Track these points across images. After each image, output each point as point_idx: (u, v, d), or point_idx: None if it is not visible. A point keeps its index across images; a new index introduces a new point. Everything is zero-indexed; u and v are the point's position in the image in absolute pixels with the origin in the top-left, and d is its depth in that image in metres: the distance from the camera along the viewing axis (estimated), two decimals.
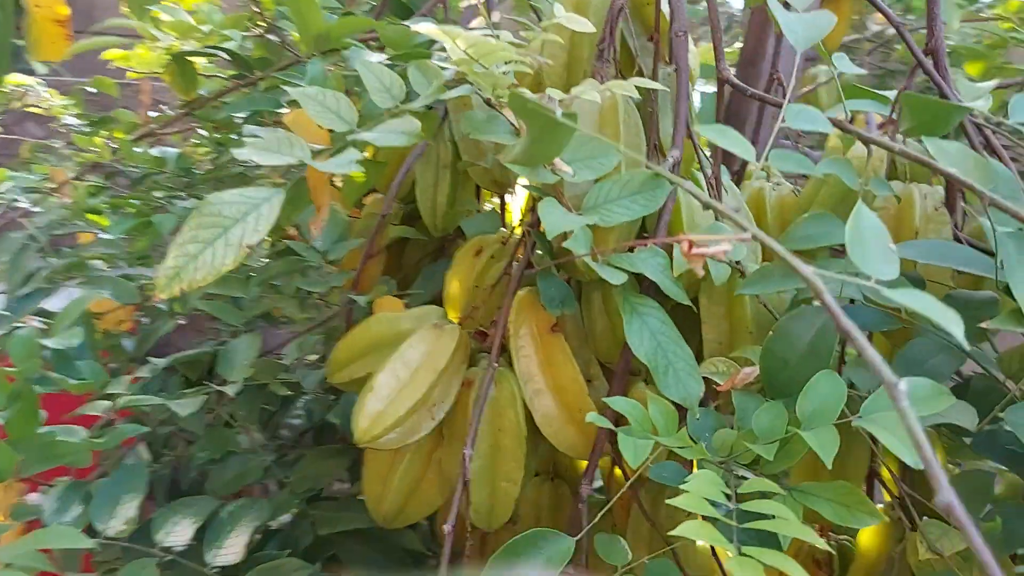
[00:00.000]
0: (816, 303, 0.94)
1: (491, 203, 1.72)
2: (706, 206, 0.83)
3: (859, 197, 1.10)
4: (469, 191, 1.53)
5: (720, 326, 1.08)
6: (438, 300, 1.50)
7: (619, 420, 1.07)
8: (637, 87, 0.99)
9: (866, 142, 1.00)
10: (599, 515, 0.95)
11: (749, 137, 1.28)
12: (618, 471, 1.25)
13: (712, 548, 1.01)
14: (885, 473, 1.22)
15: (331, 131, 0.94)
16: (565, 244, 0.93)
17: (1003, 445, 0.99)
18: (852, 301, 0.96)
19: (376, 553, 1.36)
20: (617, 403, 0.88)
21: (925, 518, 1.04)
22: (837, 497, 0.85)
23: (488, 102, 0.98)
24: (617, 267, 0.96)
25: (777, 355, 0.93)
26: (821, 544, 0.75)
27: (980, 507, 0.95)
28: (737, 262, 1.05)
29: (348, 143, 0.89)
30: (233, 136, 1.65)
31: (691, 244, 0.71)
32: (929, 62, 1.17)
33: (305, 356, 1.37)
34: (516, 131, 0.98)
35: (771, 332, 0.94)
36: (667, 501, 0.78)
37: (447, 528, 0.98)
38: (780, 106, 0.97)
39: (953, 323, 0.47)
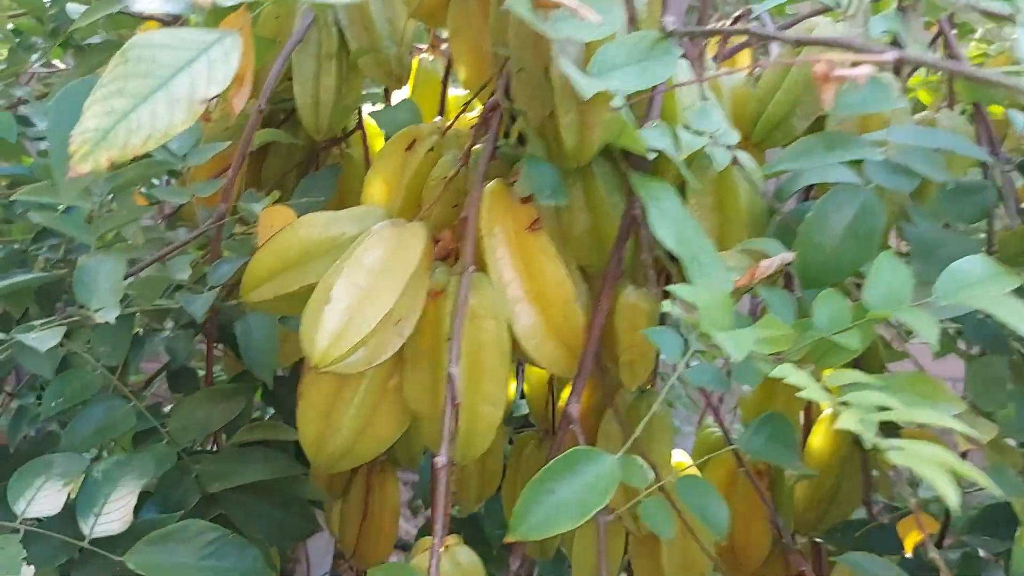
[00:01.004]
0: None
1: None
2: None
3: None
4: (356, 85, 1.32)
5: (710, 218, 0.97)
6: None
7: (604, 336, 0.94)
8: None
9: None
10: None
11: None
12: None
13: None
14: None
15: None
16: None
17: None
18: None
19: (274, 508, 1.15)
20: (681, 291, 0.74)
21: None
22: (913, 388, 0.76)
23: None
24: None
25: (813, 240, 0.83)
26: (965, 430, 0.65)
27: (999, 395, 0.90)
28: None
29: None
30: None
31: (829, 65, 0.58)
32: None
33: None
34: None
35: (808, 215, 0.84)
36: (788, 381, 0.65)
37: (440, 462, 0.80)
38: None
39: None
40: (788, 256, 0.88)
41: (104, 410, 1.05)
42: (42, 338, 0.91)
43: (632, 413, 1.03)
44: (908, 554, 1.07)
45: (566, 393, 1.12)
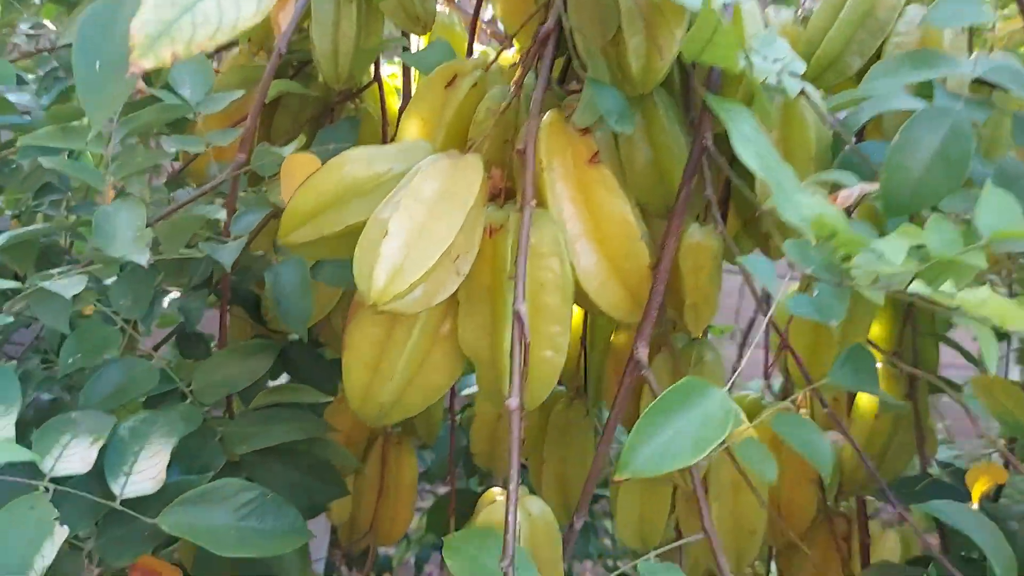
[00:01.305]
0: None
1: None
2: None
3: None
4: (377, 30, 1.25)
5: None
6: None
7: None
8: None
9: None
10: None
11: None
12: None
13: None
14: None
15: None
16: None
17: None
18: None
19: (301, 472, 1.08)
20: (861, 225, 0.68)
21: None
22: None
23: None
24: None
25: (900, 165, 0.79)
26: None
27: None
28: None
29: None
30: None
31: None
32: None
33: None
34: None
35: (896, 139, 0.79)
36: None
37: (512, 404, 0.75)
38: None
39: None
40: (869, 187, 0.83)
41: (123, 368, 0.97)
42: (67, 284, 0.83)
43: (683, 360, 0.98)
44: (975, 505, 1.03)
45: (602, 345, 1.07)
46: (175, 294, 1.19)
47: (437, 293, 0.80)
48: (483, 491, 1.37)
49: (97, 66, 0.79)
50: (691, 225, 0.90)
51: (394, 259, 0.76)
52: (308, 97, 1.36)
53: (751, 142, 0.75)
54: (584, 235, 0.87)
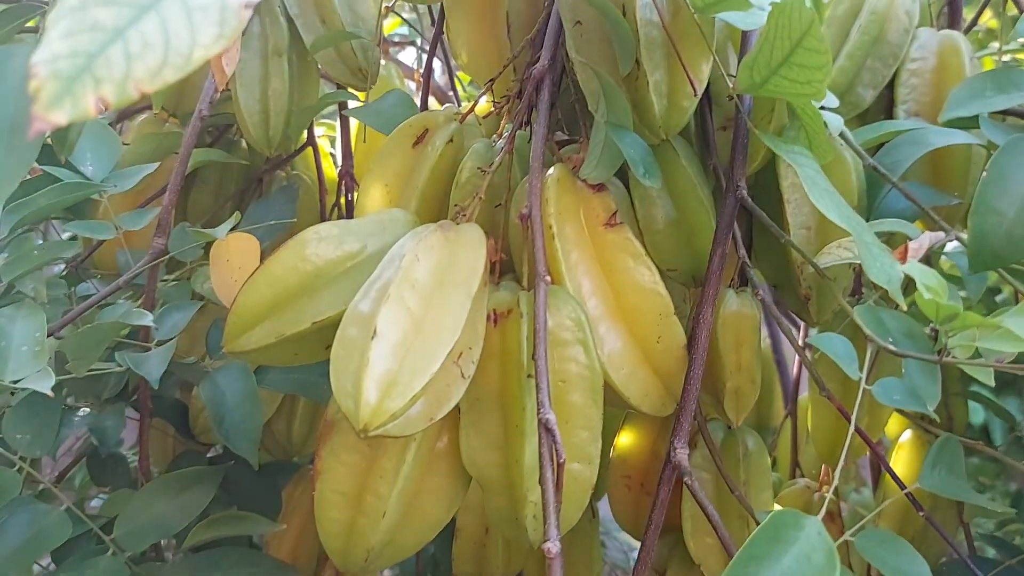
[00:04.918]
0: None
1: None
2: None
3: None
4: (313, 87, 1.09)
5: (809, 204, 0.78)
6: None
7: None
8: None
9: None
10: None
11: None
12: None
13: None
14: None
15: None
16: None
17: None
18: None
19: None
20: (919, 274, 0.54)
21: None
22: None
23: None
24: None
25: (991, 207, 0.66)
26: None
27: None
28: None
29: None
30: None
31: None
32: None
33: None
34: None
35: (983, 176, 0.66)
36: None
37: (552, 550, 0.57)
38: None
39: None
40: (939, 236, 0.70)
41: (30, 517, 0.76)
42: None
43: (727, 455, 0.82)
44: None
45: (633, 436, 0.91)
46: (84, 410, 0.98)
47: (440, 406, 0.62)
48: None
49: None
50: (725, 292, 0.76)
51: (387, 367, 0.58)
52: (230, 167, 1.18)
53: (827, 192, 0.60)
54: (607, 315, 0.71)
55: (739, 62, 0.74)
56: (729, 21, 0.60)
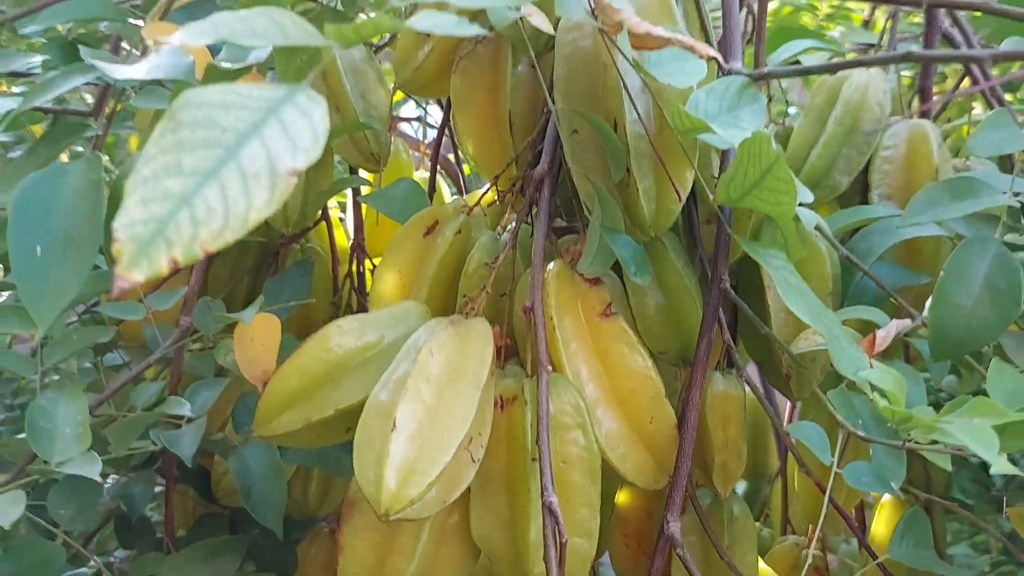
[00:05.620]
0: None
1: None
2: None
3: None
4: (328, 169, 1.16)
5: None
6: (294, 323, 1.12)
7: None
8: None
9: None
10: None
11: None
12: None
13: None
14: None
15: None
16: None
17: None
18: None
19: None
20: (901, 368, 0.61)
21: None
22: None
23: None
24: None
25: (951, 299, 0.72)
26: None
27: None
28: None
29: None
30: None
31: None
32: None
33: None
34: None
35: (942, 273, 0.73)
36: None
37: None
38: None
39: None
40: (905, 323, 0.77)
41: None
42: (3, 507, 0.69)
43: (714, 520, 0.89)
44: None
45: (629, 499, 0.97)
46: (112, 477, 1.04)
47: (452, 489, 0.69)
48: None
49: (38, 251, 0.67)
50: (712, 374, 0.82)
51: (406, 456, 0.65)
52: (247, 242, 1.25)
53: (799, 293, 0.67)
54: (604, 399, 0.77)
55: (721, 162, 0.82)
56: (707, 141, 0.68)
